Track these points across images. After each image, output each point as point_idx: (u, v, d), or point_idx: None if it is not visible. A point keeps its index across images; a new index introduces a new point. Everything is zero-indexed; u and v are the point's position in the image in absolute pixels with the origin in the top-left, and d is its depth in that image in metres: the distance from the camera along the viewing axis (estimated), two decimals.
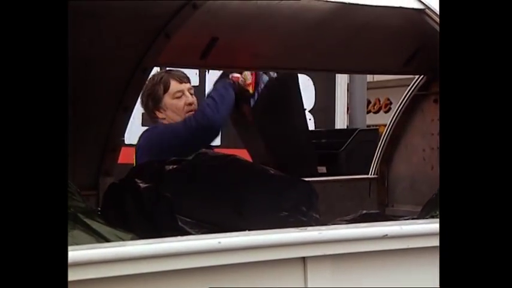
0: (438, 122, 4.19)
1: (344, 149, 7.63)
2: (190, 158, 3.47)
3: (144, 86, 3.88)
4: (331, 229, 2.48)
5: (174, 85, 3.86)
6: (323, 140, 8.16)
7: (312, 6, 3.53)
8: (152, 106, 3.88)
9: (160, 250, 2.14)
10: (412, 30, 3.66)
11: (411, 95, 4.33)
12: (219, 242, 2.20)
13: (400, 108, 4.39)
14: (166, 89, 3.85)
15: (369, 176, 4.53)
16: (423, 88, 4.30)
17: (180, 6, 3.39)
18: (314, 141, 8.08)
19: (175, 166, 3.31)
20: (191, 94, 3.86)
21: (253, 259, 2.27)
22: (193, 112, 3.80)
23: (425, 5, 3.07)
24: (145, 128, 9.16)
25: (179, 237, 2.23)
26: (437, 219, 2.82)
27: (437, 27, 3.01)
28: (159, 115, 3.87)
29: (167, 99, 3.84)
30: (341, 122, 9.48)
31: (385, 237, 2.41)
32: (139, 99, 3.80)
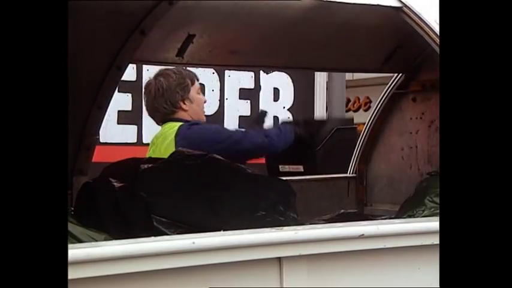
0: (416, 121, 4.23)
1: (321, 147, 7.61)
2: (166, 157, 3.43)
3: (167, 78, 3.89)
4: (307, 229, 2.45)
5: (196, 81, 3.89)
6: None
7: (290, 3, 3.50)
8: (180, 96, 3.84)
9: (133, 251, 2.10)
10: (391, 28, 3.64)
11: (390, 94, 4.31)
12: (193, 243, 2.16)
13: (378, 107, 4.36)
14: (192, 82, 3.85)
15: (348, 175, 4.50)
16: (402, 86, 4.28)
17: (155, 2, 3.34)
18: None
19: (150, 165, 3.26)
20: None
21: (228, 259, 2.24)
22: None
23: (403, 3, 3.04)
24: (122, 126, 9.13)
25: (153, 238, 2.19)
26: (414, 219, 2.82)
27: (415, 26, 2.99)
28: (184, 106, 3.84)
29: (193, 93, 3.85)
30: None
31: (361, 237, 2.38)
32: (162, 88, 3.79)
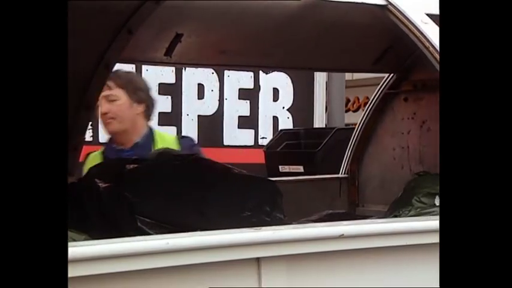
0: (408, 121, 4.21)
1: (322, 148, 7.59)
2: (152, 157, 3.42)
3: None
4: (286, 229, 2.42)
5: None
6: (301, 139, 8.14)
7: (280, 3, 3.48)
8: None
9: (106, 251, 2.08)
10: (382, 28, 3.61)
11: (381, 94, 4.28)
12: (167, 243, 2.13)
13: (370, 107, 4.34)
14: None
15: (339, 175, 4.48)
16: (393, 86, 4.25)
17: (141, 2, 3.32)
18: (292, 140, 8.06)
19: (136, 165, 3.25)
20: (111, 101, 3.73)
21: (205, 260, 2.20)
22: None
23: (388, 1, 3.01)
24: None
25: (126, 238, 2.16)
26: (396, 219, 2.80)
27: (400, 24, 2.96)
28: None
29: None
30: (320, 120, 9.45)
31: (341, 237, 2.35)
32: None
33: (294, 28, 3.74)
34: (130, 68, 8.48)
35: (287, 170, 7.89)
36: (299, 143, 8.13)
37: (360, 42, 3.93)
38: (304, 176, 5.02)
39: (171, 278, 2.19)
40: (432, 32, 2.84)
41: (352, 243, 2.37)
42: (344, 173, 4.45)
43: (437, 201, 3.06)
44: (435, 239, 2.46)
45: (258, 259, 2.30)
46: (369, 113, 4.33)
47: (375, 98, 4.30)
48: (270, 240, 2.32)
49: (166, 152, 3.48)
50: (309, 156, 7.66)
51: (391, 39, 3.89)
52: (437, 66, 2.85)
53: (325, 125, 9.29)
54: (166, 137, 3.89)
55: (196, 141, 3.98)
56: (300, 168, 7.77)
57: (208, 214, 3.00)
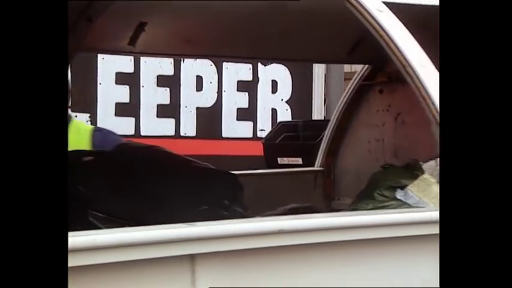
0: (383, 113, 4.11)
1: (320, 140, 7.53)
2: (110, 149, 3.36)
3: None
4: (222, 224, 2.32)
5: None
6: (299, 131, 8.10)
7: None
8: None
9: None
10: (351, 18, 3.52)
11: (356, 85, 4.19)
12: (94, 239, 2.04)
13: (345, 99, 4.25)
14: None
15: (315, 168, 4.39)
16: (368, 78, 4.16)
17: None
18: (291, 132, 8.01)
19: (92, 157, 3.19)
20: None
21: (134, 257, 2.10)
22: None
23: None
24: (120, 118, 9.04)
25: None
26: (339, 213, 2.70)
27: (356, 12, 2.87)
28: None
29: None
30: (318, 113, 9.42)
31: (280, 232, 2.26)
32: None
33: (265, 18, 3.65)
34: (129, 59, 8.57)
35: (286, 162, 7.85)
36: (297, 135, 8.09)
37: (333, 33, 3.84)
38: (279, 169, 4.94)
39: (99, 277, 2.10)
40: (387, 21, 2.75)
41: (291, 239, 2.27)
42: (319, 166, 4.37)
43: (398, 195, 2.97)
44: (380, 233, 2.39)
45: (192, 256, 2.21)
46: (344, 105, 4.25)
47: (350, 90, 4.21)
48: (205, 236, 2.22)
49: (125, 144, 3.43)
50: (308, 148, 7.58)
51: (361, 29, 3.79)
52: (392, 56, 2.77)
53: (324, 117, 9.23)
54: (81, 127, 3.82)
55: (116, 132, 3.92)
56: (299, 160, 7.72)
57: (163, 208, 2.93)
